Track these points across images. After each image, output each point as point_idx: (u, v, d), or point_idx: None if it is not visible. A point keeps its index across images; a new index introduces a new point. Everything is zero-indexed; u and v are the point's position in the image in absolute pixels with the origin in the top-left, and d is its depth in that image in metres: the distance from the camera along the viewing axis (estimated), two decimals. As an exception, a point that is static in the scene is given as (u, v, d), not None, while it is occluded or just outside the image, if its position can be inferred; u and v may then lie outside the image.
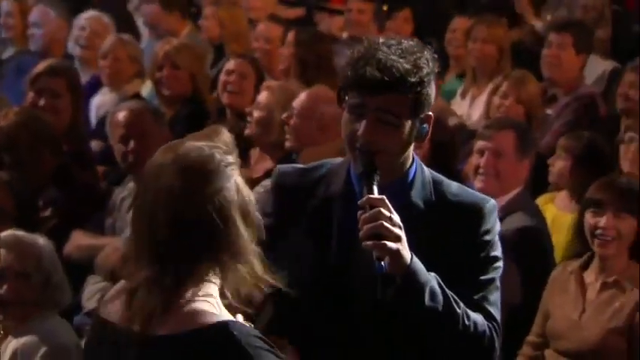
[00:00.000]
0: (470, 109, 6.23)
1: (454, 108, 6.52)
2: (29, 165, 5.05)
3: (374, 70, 2.59)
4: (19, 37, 7.80)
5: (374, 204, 2.56)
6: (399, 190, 2.70)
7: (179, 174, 2.22)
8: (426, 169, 2.79)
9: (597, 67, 6.36)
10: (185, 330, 2.16)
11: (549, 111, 5.99)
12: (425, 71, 2.63)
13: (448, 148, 5.18)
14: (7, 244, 3.93)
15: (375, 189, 2.60)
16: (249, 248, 2.24)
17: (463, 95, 6.51)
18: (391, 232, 2.54)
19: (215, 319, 2.18)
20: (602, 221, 4.24)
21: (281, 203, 2.83)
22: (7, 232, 4.00)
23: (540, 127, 5.76)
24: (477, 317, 2.69)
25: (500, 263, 2.78)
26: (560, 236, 4.75)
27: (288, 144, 5.15)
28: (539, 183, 5.27)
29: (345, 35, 7.55)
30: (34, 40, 7.63)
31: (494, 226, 2.79)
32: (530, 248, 4.56)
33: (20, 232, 4.00)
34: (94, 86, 6.99)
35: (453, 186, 2.79)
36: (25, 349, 3.73)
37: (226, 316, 2.22)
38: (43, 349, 3.70)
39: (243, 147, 5.37)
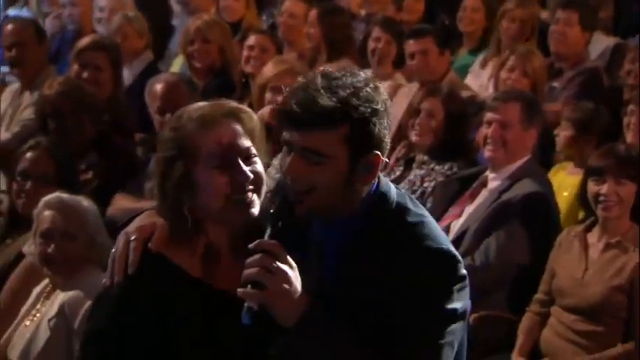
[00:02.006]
0: (490, 80, 6.15)
1: (473, 78, 6.44)
2: (71, 131, 5.06)
3: (296, 105, 2.23)
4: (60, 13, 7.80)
5: (262, 248, 2.22)
6: (348, 223, 2.32)
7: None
8: (393, 199, 2.36)
9: (601, 43, 6.31)
10: None
11: (556, 84, 5.94)
12: (360, 109, 2.22)
13: (460, 120, 5.17)
14: (53, 206, 3.92)
15: (270, 232, 2.26)
16: None
17: (483, 65, 6.43)
18: (270, 282, 2.18)
19: None
20: (604, 188, 4.24)
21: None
22: (53, 195, 3.99)
23: (547, 99, 5.71)
24: None
25: (453, 318, 2.30)
26: (564, 198, 4.74)
27: None
28: (545, 151, 5.24)
29: (363, 12, 7.48)
30: (70, 19, 7.62)
31: (451, 278, 2.31)
32: (537, 212, 4.55)
33: (65, 195, 3.99)
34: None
35: (416, 225, 2.34)
36: (71, 302, 3.74)
37: None
38: (87, 303, 3.68)
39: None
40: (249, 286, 2.20)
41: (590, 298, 4.23)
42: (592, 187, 4.29)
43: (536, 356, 4.33)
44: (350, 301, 2.28)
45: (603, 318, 4.21)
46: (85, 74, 5.60)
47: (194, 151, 2.32)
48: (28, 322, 3.88)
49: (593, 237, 4.34)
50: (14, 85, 6.32)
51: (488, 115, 4.74)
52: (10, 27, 6.29)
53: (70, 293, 3.75)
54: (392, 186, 2.40)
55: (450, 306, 2.30)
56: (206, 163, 2.31)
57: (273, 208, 2.29)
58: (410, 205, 2.38)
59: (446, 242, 2.36)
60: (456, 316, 2.32)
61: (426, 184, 5.04)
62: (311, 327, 2.23)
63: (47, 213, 3.90)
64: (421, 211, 2.40)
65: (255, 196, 2.34)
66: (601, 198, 4.26)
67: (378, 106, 2.27)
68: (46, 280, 3.96)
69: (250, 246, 2.23)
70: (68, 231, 3.86)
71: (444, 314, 2.30)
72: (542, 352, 4.35)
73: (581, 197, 4.41)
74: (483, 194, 4.71)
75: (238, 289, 2.19)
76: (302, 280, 2.26)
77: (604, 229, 4.31)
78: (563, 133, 5.13)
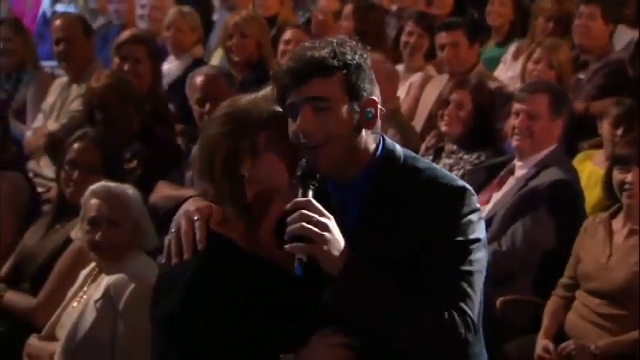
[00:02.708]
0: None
1: (504, 69, 6.41)
2: (118, 121, 5.10)
3: (293, 63, 2.37)
4: (107, 8, 7.84)
5: (299, 207, 2.28)
6: (367, 180, 2.41)
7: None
8: (397, 151, 2.46)
9: (625, 35, 6.26)
10: None
11: (582, 75, 5.90)
12: (348, 56, 2.37)
13: (488, 110, 5.15)
14: (99, 195, 3.94)
15: (310, 192, 2.32)
16: None
17: (516, 56, 6.40)
18: (313, 232, 2.25)
19: None
20: (629, 177, 4.22)
21: None
22: (99, 184, 4.01)
23: (573, 91, 5.68)
24: (433, 307, 2.31)
25: (473, 246, 2.37)
26: (595, 191, 4.70)
27: None
28: (572, 141, 5.22)
29: (394, 8, 7.48)
30: (116, 14, 7.67)
31: (465, 209, 2.38)
32: (563, 199, 4.53)
33: (111, 184, 4.01)
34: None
35: (426, 169, 2.43)
36: (116, 285, 3.76)
37: None
38: (131, 286, 3.73)
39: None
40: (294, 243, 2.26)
41: (614, 283, 4.20)
42: (617, 175, 4.27)
43: (562, 338, 4.30)
44: (378, 257, 2.34)
45: (626, 302, 4.18)
46: (125, 67, 5.63)
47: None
48: (75, 304, 3.91)
49: (617, 223, 4.32)
50: (62, 78, 6.38)
51: (517, 106, 4.71)
52: (58, 22, 6.35)
53: (115, 276, 3.77)
54: (396, 144, 2.49)
55: (473, 236, 2.38)
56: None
57: (300, 172, 2.35)
58: (416, 157, 2.51)
59: (458, 179, 2.45)
60: (479, 244, 2.39)
61: (454, 173, 5.03)
62: (356, 270, 2.29)
63: (94, 201, 3.92)
64: (427, 160, 2.53)
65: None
66: (626, 186, 4.23)
67: (364, 57, 2.41)
68: (93, 264, 3.99)
69: (287, 206, 2.29)
70: (113, 218, 3.88)
71: (469, 244, 2.37)
72: (567, 334, 4.32)
73: (607, 185, 4.38)
74: (510, 182, 4.70)
75: (285, 245, 2.25)
76: None
77: (628, 215, 4.29)
78: (603, 126, 5.07)
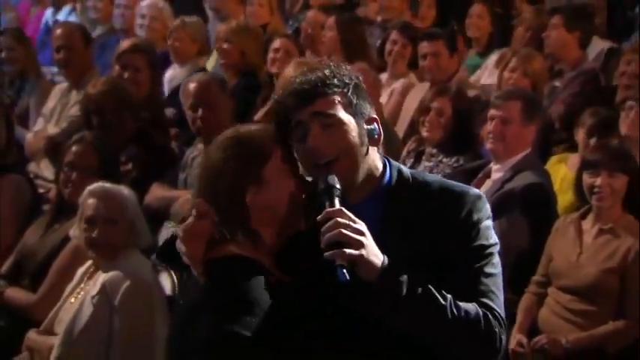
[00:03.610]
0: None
1: (485, 74, 6.44)
2: (113, 126, 5.09)
3: (296, 86, 2.36)
4: (106, 18, 7.82)
5: (332, 216, 2.21)
6: (380, 199, 2.37)
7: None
8: (405, 170, 2.44)
9: (596, 46, 6.30)
10: None
11: (557, 83, 5.92)
12: (345, 78, 2.37)
13: (467, 116, 5.17)
14: (97, 195, 3.95)
15: (337, 202, 2.25)
16: None
17: (498, 64, 6.42)
18: (351, 238, 2.19)
19: None
20: (598, 181, 4.24)
21: None
22: (96, 184, 4.02)
23: (548, 98, 5.69)
24: (469, 306, 2.28)
25: (492, 250, 2.37)
26: (568, 194, 4.72)
27: None
28: (546, 145, 5.24)
29: (379, 19, 7.50)
30: (116, 19, 7.66)
31: (483, 215, 2.38)
32: (536, 201, 4.53)
33: (107, 184, 4.02)
34: (161, 62, 6.99)
35: (435, 182, 2.43)
36: (112, 281, 3.76)
37: None
38: (127, 283, 3.73)
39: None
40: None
41: (584, 280, 4.22)
42: (587, 179, 4.28)
43: (535, 333, 4.31)
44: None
45: (596, 298, 4.21)
46: (125, 74, 5.63)
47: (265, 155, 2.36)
48: (73, 300, 3.91)
49: (587, 224, 4.34)
50: (62, 84, 6.37)
51: (491, 112, 4.73)
52: (59, 31, 6.34)
53: (111, 273, 3.78)
54: (400, 164, 2.47)
55: (492, 240, 2.38)
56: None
57: (322, 185, 2.30)
58: (420, 172, 2.52)
59: (470, 187, 2.44)
60: (497, 247, 2.38)
61: (434, 175, 5.04)
62: (395, 274, 2.23)
63: (91, 201, 3.93)
64: (431, 174, 2.54)
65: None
66: (595, 189, 4.25)
67: (359, 79, 2.41)
68: (90, 262, 3.99)
69: (319, 218, 2.23)
70: (110, 217, 3.89)
71: (490, 248, 2.36)
72: (539, 329, 4.34)
73: (577, 188, 4.40)
74: (487, 184, 4.71)
75: (326, 253, 2.18)
76: None
77: (597, 216, 4.31)
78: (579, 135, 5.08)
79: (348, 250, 2.18)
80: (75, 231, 4.11)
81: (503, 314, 2.34)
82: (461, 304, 2.27)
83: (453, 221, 2.34)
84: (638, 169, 4.34)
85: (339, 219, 2.21)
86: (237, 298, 2.22)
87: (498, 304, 2.33)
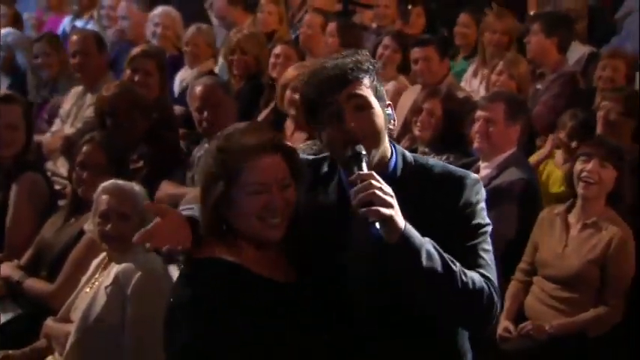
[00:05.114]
0: (480, 85, 6.19)
1: (467, 84, 6.44)
2: (125, 126, 5.05)
3: (329, 71, 2.36)
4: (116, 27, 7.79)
5: (364, 178, 2.23)
6: (387, 182, 2.31)
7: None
8: (408, 155, 2.46)
9: (577, 51, 6.30)
10: None
11: (539, 86, 5.91)
12: (369, 64, 2.39)
13: (457, 117, 5.14)
14: (109, 191, 3.89)
15: (365, 166, 2.28)
16: None
17: (475, 74, 6.43)
18: (383, 199, 2.20)
19: None
20: (589, 166, 4.21)
21: None
22: (109, 182, 3.95)
23: (532, 100, 5.68)
24: (473, 275, 2.31)
25: (487, 229, 2.41)
26: (553, 190, 4.69)
27: None
28: (530, 144, 5.22)
29: (374, 25, 7.46)
30: (122, 29, 7.62)
31: (480, 197, 2.41)
32: (522, 195, 4.50)
33: (119, 181, 3.95)
34: (170, 65, 6.94)
35: (437, 166, 2.45)
36: (124, 272, 3.70)
37: None
38: (138, 274, 3.67)
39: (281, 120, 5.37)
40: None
41: (568, 270, 4.21)
42: (578, 165, 4.25)
43: (522, 319, 4.29)
44: None
45: (579, 287, 4.19)
46: (136, 78, 5.60)
47: (235, 175, 2.27)
48: (88, 289, 3.87)
49: (572, 218, 4.32)
50: (78, 87, 6.32)
51: (478, 113, 4.73)
52: (75, 37, 6.30)
53: (124, 265, 3.71)
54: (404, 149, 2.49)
55: (488, 220, 2.41)
56: (244, 187, 2.28)
57: (350, 152, 2.30)
58: (421, 156, 2.52)
59: (469, 171, 2.46)
60: (490, 228, 2.42)
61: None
62: (415, 236, 2.23)
63: (104, 197, 3.87)
64: (431, 158, 2.56)
65: (282, 221, 2.30)
66: (584, 174, 4.21)
67: (375, 65, 2.42)
68: (104, 254, 3.94)
69: (351, 178, 2.24)
70: (122, 212, 3.83)
71: (486, 227, 2.40)
72: (525, 315, 4.32)
73: (568, 178, 4.37)
74: (475, 181, 4.68)
75: (361, 209, 2.18)
76: None
77: (582, 210, 4.28)
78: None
79: (382, 209, 2.19)
80: (89, 225, 4.06)
81: (497, 286, 2.37)
82: (468, 272, 2.29)
83: (454, 203, 2.36)
84: (625, 168, 4.28)
85: (373, 181, 2.21)
86: (208, 303, 2.19)
87: (494, 276, 2.37)
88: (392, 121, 2.41)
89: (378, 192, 2.20)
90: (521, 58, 5.81)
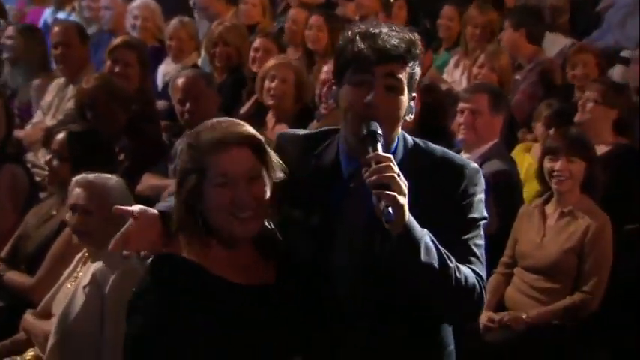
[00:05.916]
0: (461, 76, 6.20)
1: (448, 76, 6.43)
2: (105, 118, 5.01)
3: (376, 43, 2.23)
4: (99, 17, 7.72)
5: (381, 160, 2.14)
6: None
7: None
8: (409, 138, 2.36)
9: (559, 43, 6.31)
10: None
11: (518, 76, 5.96)
12: (418, 51, 2.28)
13: (439, 108, 5.10)
14: (81, 185, 3.80)
15: (380, 147, 2.19)
16: None
17: (456, 65, 6.42)
18: (401, 186, 2.13)
19: None
20: (557, 165, 4.23)
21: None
22: (82, 175, 3.86)
23: (512, 91, 5.69)
24: (467, 271, 2.25)
25: (482, 223, 2.32)
26: (533, 183, 4.68)
27: (325, 112, 5.08)
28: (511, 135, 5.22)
29: (357, 18, 7.42)
30: (104, 20, 7.55)
31: (479, 189, 2.32)
32: (503, 187, 4.48)
33: (91, 175, 3.82)
34: (152, 57, 6.88)
35: (437, 151, 2.36)
36: (101, 272, 3.62)
37: None
38: (115, 272, 3.60)
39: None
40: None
41: (546, 259, 4.22)
42: (547, 164, 4.27)
43: (502, 310, 4.28)
44: None
45: (557, 276, 4.20)
46: (116, 69, 5.55)
47: (205, 169, 2.25)
48: (69, 285, 3.81)
49: (550, 208, 4.33)
50: (60, 79, 6.25)
51: (461, 105, 4.71)
52: (57, 29, 6.22)
53: (100, 262, 3.64)
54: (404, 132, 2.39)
55: (484, 213, 2.32)
56: (212, 180, 2.25)
57: (365, 131, 2.21)
58: (421, 140, 2.39)
59: (470, 161, 2.37)
60: (485, 222, 2.33)
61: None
62: (415, 226, 2.17)
63: (76, 190, 3.79)
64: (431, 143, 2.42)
65: (254, 215, 2.27)
66: (555, 173, 4.23)
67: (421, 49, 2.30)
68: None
69: (367, 157, 2.16)
70: (86, 207, 3.74)
71: (481, 221, 2.31)
72: (506, 306, 4.32)
73: (539, 173, 4.37)
74: (457, 172, 4.67)
75: (375, 191, 2.11)
76: None
77: (558, 200, 4.30)
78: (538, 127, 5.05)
79: (398, 196, 2.11)
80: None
81: (487, 282, 2.32)
82: (462, 268, 2.23)
83: (452, 192, 2.28)
84: (595, 156, 4.32)
85: (392, 165, 2.14)
86: (160, 298, 2.20)
87: (484, 273, 2.30)
88: (410, 115, 2.30)
89: (397, 177, 2.13)
90: (502, 50, 5.81)
